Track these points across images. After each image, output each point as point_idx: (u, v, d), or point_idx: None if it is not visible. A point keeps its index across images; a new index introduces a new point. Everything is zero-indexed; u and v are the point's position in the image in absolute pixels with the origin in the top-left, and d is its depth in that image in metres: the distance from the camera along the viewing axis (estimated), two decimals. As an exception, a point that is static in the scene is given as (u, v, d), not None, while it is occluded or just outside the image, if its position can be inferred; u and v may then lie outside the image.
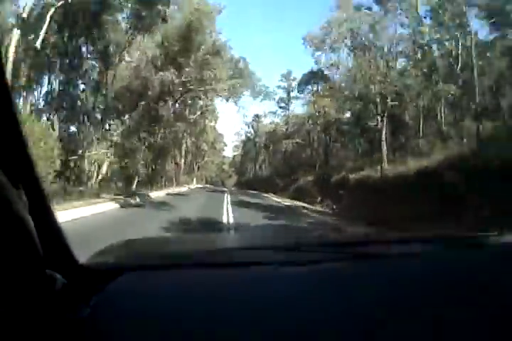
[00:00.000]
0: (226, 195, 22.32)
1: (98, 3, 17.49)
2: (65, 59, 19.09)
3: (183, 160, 38.77)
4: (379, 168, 15.78)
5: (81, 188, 13.63)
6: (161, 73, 21.64)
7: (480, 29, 19.04)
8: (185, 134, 32.90)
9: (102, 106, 20.26)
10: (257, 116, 49.28)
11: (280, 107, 42.89)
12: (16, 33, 14.03)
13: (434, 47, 18.96)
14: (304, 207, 17.40)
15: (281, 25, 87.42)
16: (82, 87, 20.75)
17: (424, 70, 17.96)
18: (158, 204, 12.83)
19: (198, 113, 33.78)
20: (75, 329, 0.70)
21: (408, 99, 18.51)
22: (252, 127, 51.62)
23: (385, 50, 18.80)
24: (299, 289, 0.85)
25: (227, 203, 15.49)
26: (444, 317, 0.72)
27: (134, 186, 19.39)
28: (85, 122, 19.49)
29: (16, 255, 0.59)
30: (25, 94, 18.29)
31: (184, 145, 37.17)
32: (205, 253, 1.14)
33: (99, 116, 20.29)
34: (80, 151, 16.89)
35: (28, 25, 15.05)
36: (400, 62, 19.85)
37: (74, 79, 20.14)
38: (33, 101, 19.78)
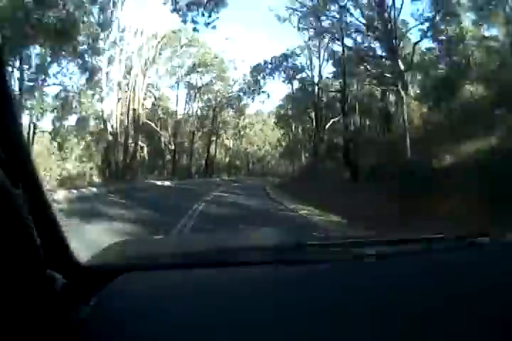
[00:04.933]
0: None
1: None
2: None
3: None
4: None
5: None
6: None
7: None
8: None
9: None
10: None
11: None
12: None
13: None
14: None
15: None
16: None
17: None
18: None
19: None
20: (75, 330, 0.70)
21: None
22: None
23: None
24: (299, 289, 0.85)
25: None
26: (443, 317, 0.72)
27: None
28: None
29: (16, 255, 0.59)
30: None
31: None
32: (205, 253, 1.14)
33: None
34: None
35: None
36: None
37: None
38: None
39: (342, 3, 19.10)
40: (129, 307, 0.78)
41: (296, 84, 36.57)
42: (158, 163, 41.16)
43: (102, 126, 26.03)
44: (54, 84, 24.40)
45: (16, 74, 19.62)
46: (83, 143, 29.40)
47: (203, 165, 46.84)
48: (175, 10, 21.12)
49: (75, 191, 13.47)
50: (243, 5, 76.20)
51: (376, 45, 20.12)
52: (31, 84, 21.54)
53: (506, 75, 14.04)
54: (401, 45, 17.77)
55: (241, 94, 43.47)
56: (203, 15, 21.34)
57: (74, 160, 27.02)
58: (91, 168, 26.76)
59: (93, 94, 26.52)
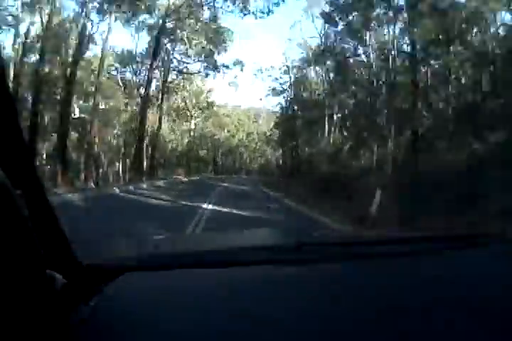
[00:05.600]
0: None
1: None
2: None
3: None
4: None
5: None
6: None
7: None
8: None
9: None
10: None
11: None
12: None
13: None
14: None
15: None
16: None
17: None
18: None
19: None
20: (75, 330, 0.70)
21: None
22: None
23: None
24: (299, 289, 0.85)
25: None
26: (443, 317, 0.72)
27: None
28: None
29: (16, 255, 0.59)
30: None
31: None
32: (206, 252, 1.15)
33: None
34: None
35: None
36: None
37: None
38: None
39: None
40: (129, 307, 0.78)
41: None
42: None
43: None
44: None
45: None
46: None
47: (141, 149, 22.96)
48: None
49: None
50: None
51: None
52: None
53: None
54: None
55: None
56: None
57: None
58: None
59: None
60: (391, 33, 16.58)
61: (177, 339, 0.69)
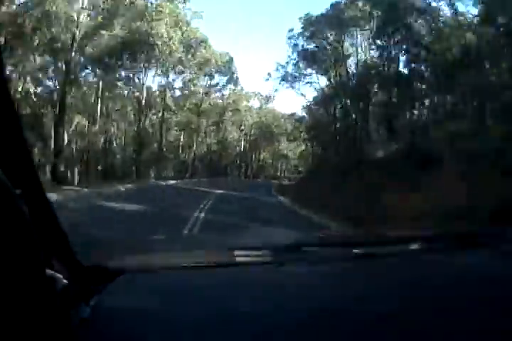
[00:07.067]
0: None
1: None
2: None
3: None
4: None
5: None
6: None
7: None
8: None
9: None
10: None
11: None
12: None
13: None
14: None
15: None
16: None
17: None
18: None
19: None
20: (75, 330, 0.70)
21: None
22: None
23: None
24: (299, 289, 0.85)
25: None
26: (444, 316, 0.72)
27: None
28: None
29: (16, 255, 0.59)
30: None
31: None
32: (206, 253, 1.15)
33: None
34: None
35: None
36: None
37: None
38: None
39: None
40: (129, 308, 0.78)
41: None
42: None
43: None
44: None
45: None
46: None
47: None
48: None
49: None
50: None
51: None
52: None
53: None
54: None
55: None
56: None
57: None
58: None
59: None
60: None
61: (177, 339, 0.69)
